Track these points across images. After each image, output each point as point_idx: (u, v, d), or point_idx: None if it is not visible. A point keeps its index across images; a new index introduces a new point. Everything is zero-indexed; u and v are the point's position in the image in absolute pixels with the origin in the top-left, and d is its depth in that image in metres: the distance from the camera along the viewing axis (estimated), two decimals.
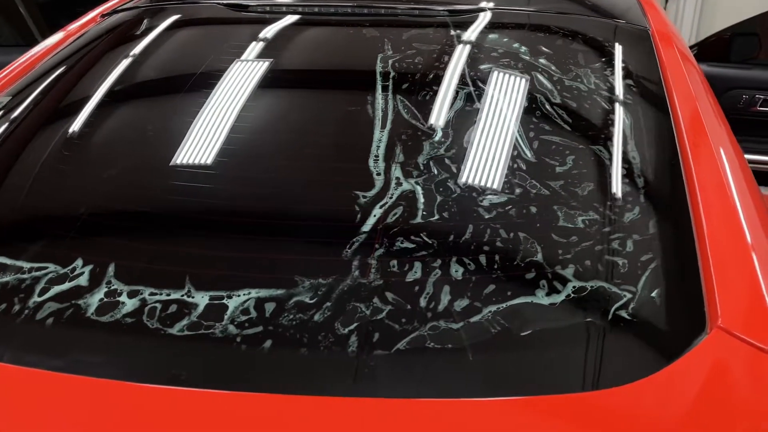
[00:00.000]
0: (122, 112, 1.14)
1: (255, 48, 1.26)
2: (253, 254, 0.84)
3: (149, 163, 1.02)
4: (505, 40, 1.27)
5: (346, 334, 0.73)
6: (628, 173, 0.97)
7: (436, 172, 0.94)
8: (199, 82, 1.15)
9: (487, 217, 0.88)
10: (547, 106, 1.08)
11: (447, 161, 0.96)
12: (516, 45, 1.25)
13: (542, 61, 1.21)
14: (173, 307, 0.76)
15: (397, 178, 0.93)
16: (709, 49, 3.45)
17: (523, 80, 1.14)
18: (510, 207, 0.89)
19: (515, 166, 0.96)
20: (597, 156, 1.00)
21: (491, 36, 1.28)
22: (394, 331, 0.73)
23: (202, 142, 1.00)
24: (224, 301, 0.77)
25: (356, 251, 0.82)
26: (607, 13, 1.50)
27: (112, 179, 0.98)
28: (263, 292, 0.77)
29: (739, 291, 0.81)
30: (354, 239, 0.84)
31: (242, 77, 1.17)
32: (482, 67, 1.17)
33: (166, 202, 0.93)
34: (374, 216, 0.87)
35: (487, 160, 0.97)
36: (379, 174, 0.94)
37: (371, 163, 0.96)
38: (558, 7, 1.47)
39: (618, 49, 1.30)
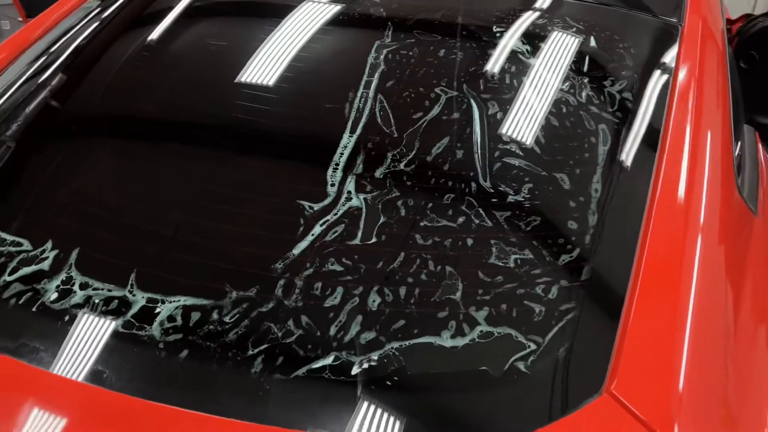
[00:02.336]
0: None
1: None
2: (185, 258, 0.91)
3: None
4: (503, 32, 1.24)
5: (252, 354, 0.80)
6: (580, 209, 0.96)
7: (388, 187, 0.97)
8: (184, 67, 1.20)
9: (421, 244, 0.91)
10: (521, 120, 1.07)
11: (404, 177, 0.98)
12: (515, 41, 1.21)
13: (539, 60, 1.17)
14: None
15: (348, 192, 0.97)
16: None
17: (505, 82, 1.12)
18: (447, 238, 0.92)
19: (466, 188, 0.97)
20: (554, 186, 0.99)
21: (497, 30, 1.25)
22: (297, 358, 0.80)
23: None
24: (157, 305, 0.85)
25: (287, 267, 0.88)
26: (640, 4, 1.42)
27: None
28: (190, 300, 0.85)
29: (649, 360, 0.81)
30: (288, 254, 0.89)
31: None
32: (478, 67, 1.16)
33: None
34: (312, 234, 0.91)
35: (438, 179, 0.98)
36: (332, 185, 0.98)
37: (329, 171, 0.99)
38: None
39: (630, 51, 1.24)
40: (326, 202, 0.95)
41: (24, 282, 0.89)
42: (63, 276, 0.89)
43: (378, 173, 0.98)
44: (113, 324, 0.84)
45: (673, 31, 1.33)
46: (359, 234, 0.92)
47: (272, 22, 1.29)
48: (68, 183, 1.04)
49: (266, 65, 1.17)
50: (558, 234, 0.93)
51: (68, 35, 1.37)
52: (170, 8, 1.36)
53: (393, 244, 0.91)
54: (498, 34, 1.25)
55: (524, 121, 1.07)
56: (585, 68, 1.18)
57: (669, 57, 1.25)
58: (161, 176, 1.03)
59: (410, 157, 1.00)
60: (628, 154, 1.05)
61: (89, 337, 0.83)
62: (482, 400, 0.78)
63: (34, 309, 0.86)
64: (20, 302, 0.87)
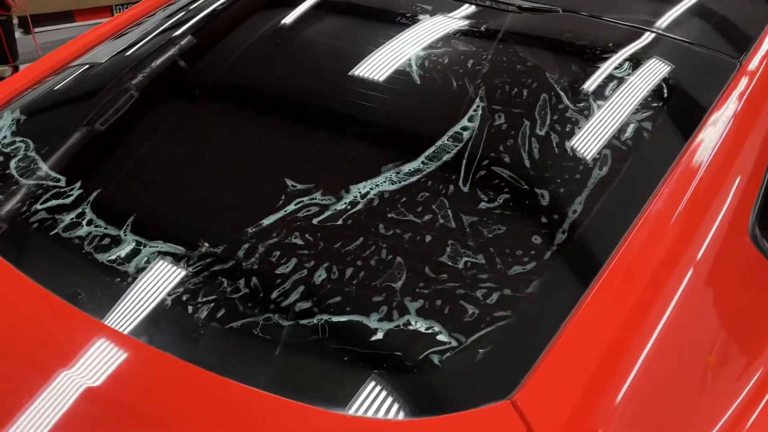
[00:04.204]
0: None
1: None
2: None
3: None
4: (537, 51, 1.25)
5: (201, 301, 0.90)
6: (551, 226, 0.97)
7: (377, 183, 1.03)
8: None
9: (382, 233, 0.96)
10: (509, 134, 1.08)
11: (383, 173, 1.04)
12: (545, 60, 1.23)
13: (568, 79, 1.18)
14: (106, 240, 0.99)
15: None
16: None
17: (522, 96, 1.14)
18: (407, 232, 0.96)
19: (444, 189, 1.01)
20: (532, 201, 1.00)
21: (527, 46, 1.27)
22: (236, 312, 0.89)
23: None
24: (140, 247, 0.97)
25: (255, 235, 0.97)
26: (700, 37, 1.37)
27: None
28: (166, 247, 0.96)
29: (566, 384, 0.81)
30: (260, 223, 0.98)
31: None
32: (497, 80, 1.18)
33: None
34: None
35: (417, 177, 1.03)
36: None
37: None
38: (645, 21, 1.37)
39: (668, 81, 1.21)
40: (309, 184, 1.03)
41: (48, 211, 1.05)
42: (78, 211, 1.04)
43: (360, 167, 1.05)
44: (100, 256, 0.97)
45: (729, 67, 1.27)
46: (327, 216, 0.99)
47: (372, 24, 1.39)
48: (117, 138, 1.21)
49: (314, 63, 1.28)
50: (518, 246, 0.95)
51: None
52: None
53: (355, 229, 0.97)
54: (544, 54, 1.27)
55: (513, 136, 1.08)
56: (611, 92, 1.17)
57: (711, 92, 1.20)
58: (177, 145, 1.17)
59: (393, 156, 1.06)
60: (621, 182, 1.04)
61: (78, 262, 0.97)
62: (386, 381, 0.82)
63: (49, 234, 1.02)
64: (41, 227, 1.03)
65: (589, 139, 1.09)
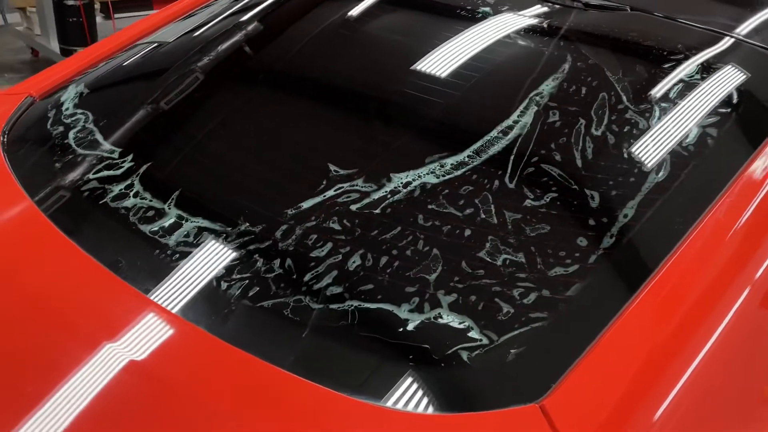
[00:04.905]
0: None
1: None
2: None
3: None
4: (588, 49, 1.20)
5: (234, 278, 0.90)
6: (598, 229, 0.93)
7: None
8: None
9: (421, 224, 0.94)
10: (560, 134, 1.04)
11: (426, 164, 1.02)
12: (597, 59, 1.17)
13: (630, 80, 1.13)
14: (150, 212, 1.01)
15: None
16: None
17: (580, 94, 1.10)
18: (446, 225, 0.94)
19: (489, 184, 0.98)
20: (579, 201, 0.96)
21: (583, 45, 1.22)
22: (267, 291, 0.88)
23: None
24: (182, 221, 0.98)
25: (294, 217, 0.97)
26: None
27: None
28: (206, 223, 0.97)
29: (599, 392, 0.77)
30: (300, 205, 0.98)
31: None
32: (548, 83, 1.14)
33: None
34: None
35: (461, 170, 1.00)
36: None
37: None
38: (715, 24, 1.30)
39: (739, 90, 1.14)
40: (352, 170, 1.02)
41: (99, 181, 1.08)
42: (127, 182, 1.06)
43: (405, 157, 1.03)
44: (144, 227, 0.98)
45: None
46: (366, 203, 0.97)
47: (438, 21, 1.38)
48: (169, 117, 1.23)
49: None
50: (562, 247, 0.91)
51: None
52: None
53: (393, 218, 0.95)
54: (607, 53, 1.22)
55: (567, 134, 1.04)
56: (675, 95, 1.11)
57: None
58: (227, 126, 1.17)
59: (438, 148, 1.03)
60: (679, 189, 0.98)
61: (122, 231, 0.99)
62: (412, 373, 0.80)
63: (98, 202, 1.04)
64: (91, 195, 1.06)
65: (648, 143, 1.04)
